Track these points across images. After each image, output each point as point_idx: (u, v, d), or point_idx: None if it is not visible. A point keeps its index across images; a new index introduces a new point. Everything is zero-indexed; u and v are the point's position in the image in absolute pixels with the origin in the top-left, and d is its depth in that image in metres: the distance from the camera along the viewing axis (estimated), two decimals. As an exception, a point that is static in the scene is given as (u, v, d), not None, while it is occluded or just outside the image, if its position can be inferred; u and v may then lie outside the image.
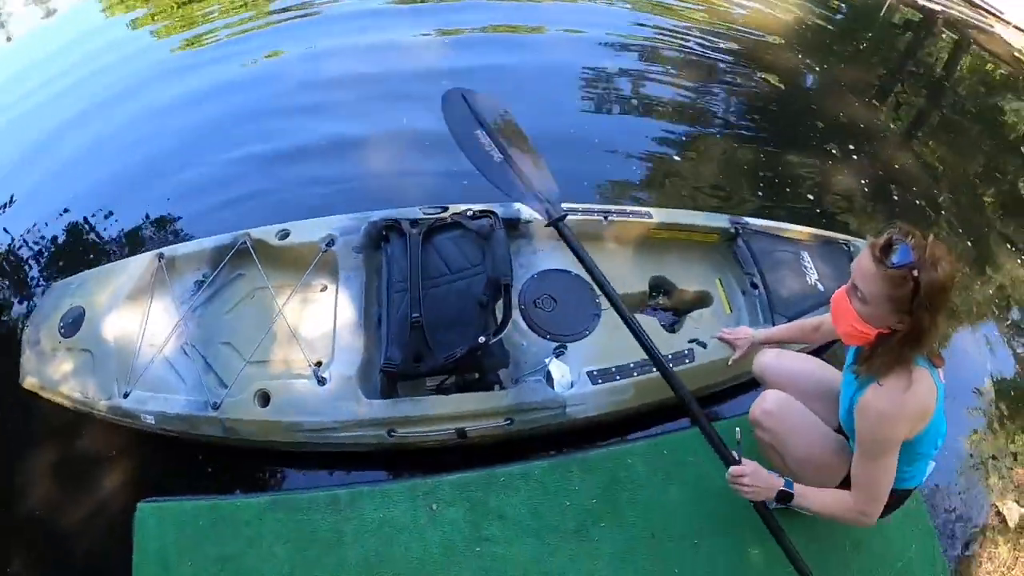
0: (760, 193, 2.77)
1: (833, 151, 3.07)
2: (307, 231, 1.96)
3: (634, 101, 3.28)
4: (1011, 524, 1.99)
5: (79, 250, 2.53)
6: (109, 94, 3.31)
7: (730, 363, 1.76)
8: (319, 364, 1.74)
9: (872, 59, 4.12)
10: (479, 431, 1.69)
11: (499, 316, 1.67)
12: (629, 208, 2.10)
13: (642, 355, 1.75)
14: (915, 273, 1.09)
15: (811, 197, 2.79)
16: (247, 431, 1.68)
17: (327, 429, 1.66)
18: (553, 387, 1.71)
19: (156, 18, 4.12)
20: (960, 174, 3.25)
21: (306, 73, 3.36)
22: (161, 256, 1.93)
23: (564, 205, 2.05)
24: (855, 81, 3.66)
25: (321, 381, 1.68)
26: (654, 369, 1.72)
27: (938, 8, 4.71)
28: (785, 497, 1.33)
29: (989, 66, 4.35)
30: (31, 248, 2.57)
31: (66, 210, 2.66)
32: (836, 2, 4.70)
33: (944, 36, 4.52)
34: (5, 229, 2.65)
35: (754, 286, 1.97)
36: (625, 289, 2.02)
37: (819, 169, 2.96)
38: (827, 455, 1.44)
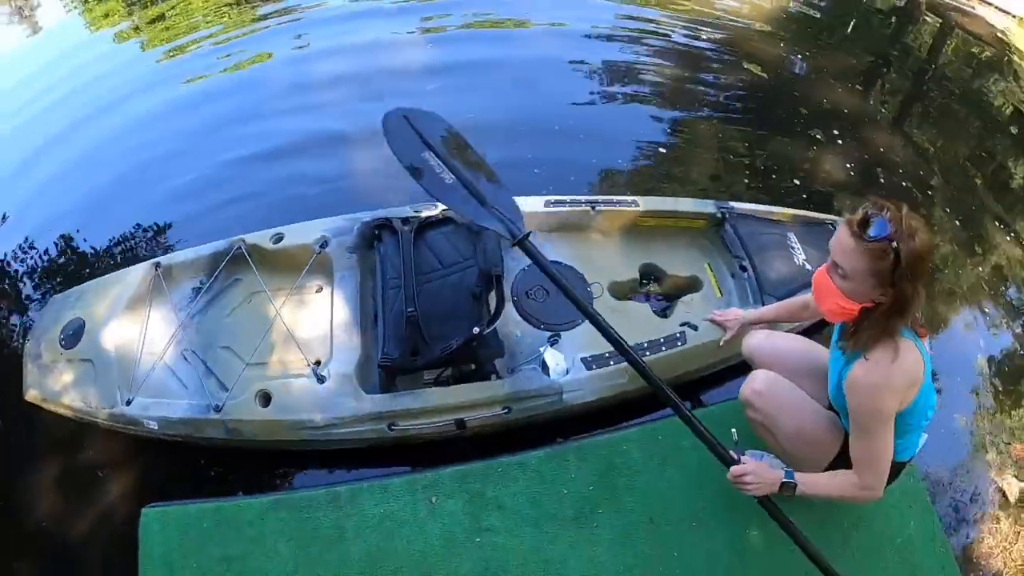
0: (746, 180, 2.85)
1: (818, 136, 3.15)
2: (301, 234, 2.03)
3: (619, 92, 3.36)
4: (1011, 499, 2.03)
5: (75, 263, 2.60)
6: (95, 107, 3.39)
7: (721, 344, 1.84)
8: (318, 363, 1.80)
9: (856, 46, 4.21)
10: (478, 421, 1.75)
11: (492, 307, 1.74)
12: (616, 198, 2.17)
13: (634, 339, 1.83)
14: (894, 245, 1.13)
15: (797, 182, 2.86)
16: (250, 431, 1.74)
17: (328, 426, 1.72)
18: (549, 375, 1.77)
19: (140, 30, 4.22)
20: (948, 155, 3.33)
21: (292, 76, 3.46)
22: (158, 265, 2.00)
23: (551, 197, 2.16)
24: (839, 68, 3.75)
25: (321, 379, 1.74)
26: (648, 353, 1.81)
27: (921, -8, 4.84)
28: (788, 488, 1.36)
29: (974, 48, 4.44)
30: (27, 263, 2.63)
31: (59, 224, 2.73)
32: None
33: (928, 20, 4.62)
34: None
35: (743, 269, 2.05)
36: (615, 277, 2.10)
37: (804, 155, 3.04)
38: (819, 431, 1.49)
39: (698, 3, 4.21)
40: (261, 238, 2.03)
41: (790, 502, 1.41)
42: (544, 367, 1.79)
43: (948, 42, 4.50)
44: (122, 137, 3.15)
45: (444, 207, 2.02)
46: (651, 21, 4.00)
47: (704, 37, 3.89)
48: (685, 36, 3.88)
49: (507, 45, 3.76)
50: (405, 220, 1.97)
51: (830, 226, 2.17)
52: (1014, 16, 4.63)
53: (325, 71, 3.42)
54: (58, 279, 2.54)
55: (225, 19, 4.15)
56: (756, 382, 1.55)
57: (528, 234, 1.37)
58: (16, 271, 2.61)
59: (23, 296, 2.54)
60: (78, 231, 2.69)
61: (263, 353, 1.88)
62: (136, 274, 2.00)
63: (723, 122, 3.23)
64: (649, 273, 2.17)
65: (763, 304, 1.93)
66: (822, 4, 4.59)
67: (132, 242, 2.63)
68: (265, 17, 4.07)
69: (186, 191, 2.79)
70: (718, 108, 3.33)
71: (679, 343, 1.83)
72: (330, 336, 1.85)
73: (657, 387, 1.40)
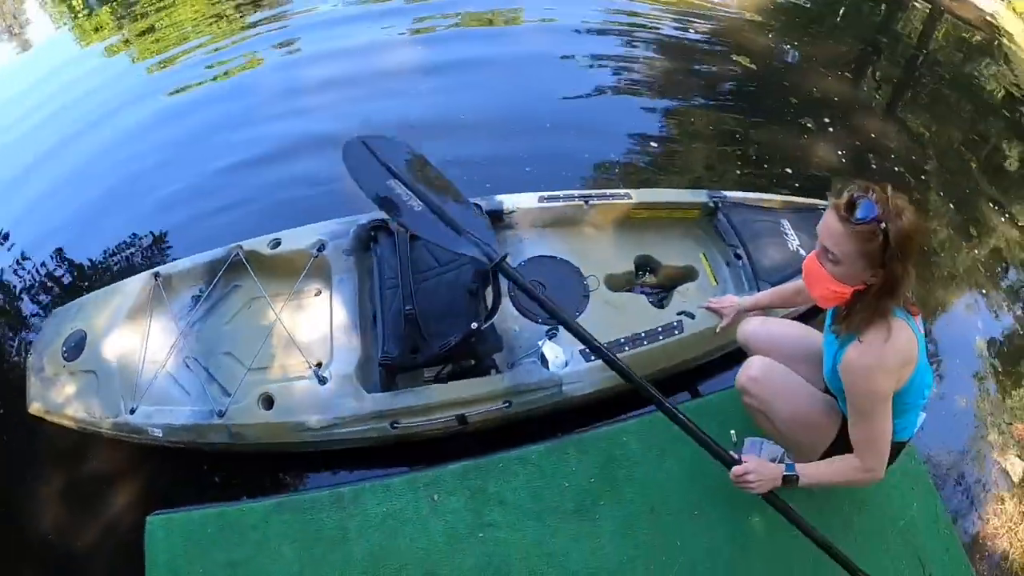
0: (738, 171, 2.90)
1: (809, 125, 3.21)
2: (298, 239, 2.07)
3: (610, 86, 3.41)
4: (1015, 479, 2.06)
5: (73, 277, 2.64)
6: (86, 122, 3.43)
7: (717, 331, 1.88)
8: (319, 365, 1.84)
9: (846, 33, 4.27)
10: (479, 416, 1.79)
11: (489, 302, 1.78)
12: (609, 191, 2.22)
13: (632, 330, 1.89)
14: (882, 225, 1.14)
15: (789, 171, 2.92)
16: (253, 435, 1.78)
17: (331, 426, 1.76)
18: (548, 368, 1.81)
19: (130, 43, 4.28)
20: (940, 140, 3.38)
21: (283, 81, 3.51)
22: (157, 275, 2.04)
23: (544, 193, 2.21)
24: (829, 56, 3.81)
25: (322, 381, 1.78)
26: (646, 342, 1.85)
27: (909, -22, 4.91)
28: (790, 481, 1.39)
29: (964, 33, 4.50)
30: (24, 279, 2.67)
31: (55, 239, 2.77)
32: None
33: (917, 6, 4.68)
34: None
35: (738, 257, 2.09)
36: (611, 270, 2.14)
37: (796, 143, 3.09)
38: (815, 415, 1.51)
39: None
40: (258, 244, 2.07)
41: (791, 491, 1.43)
42: (543, 360, 1.83)
43: (938, 27, 4.56)
44: (113, 150, 3.20)
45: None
46: (640, 14, 4.06)
47: (694, 29, 3.95)
48: (675, 28, 3.94)
49: (497, 43, 3.82)
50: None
51: (822, 211, 2.20)
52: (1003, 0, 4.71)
53: (316, 75, 3.47)
54: (56, 293, 2.58)
55: (215, 28, 4.20)
56: (752, 369, 1.57)
57: (504, 256, 1.36)
58: (14, 287, 2.65)
59: (21, 311, 2.58)
60: (73, 245, 2.73)
61: (264, 357, 1.92)
62: (136, 284, 2.04)
63: (714, 113, 3.29)
64: (644, 264, 2.21)
65: (758, 290, 1.97)
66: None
67: (128, 254, 2.67)
68: (255, 24, 4.13)
69: (179, 200, 2.83)
70: (709, 99, 3.39)
71: (676, 332, 1.88)
72: (330, 338, 1.89)
73: (651, 396, 1.39)
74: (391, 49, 3.67)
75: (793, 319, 1.96)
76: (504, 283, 2.02)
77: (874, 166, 3.03)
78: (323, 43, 3.78)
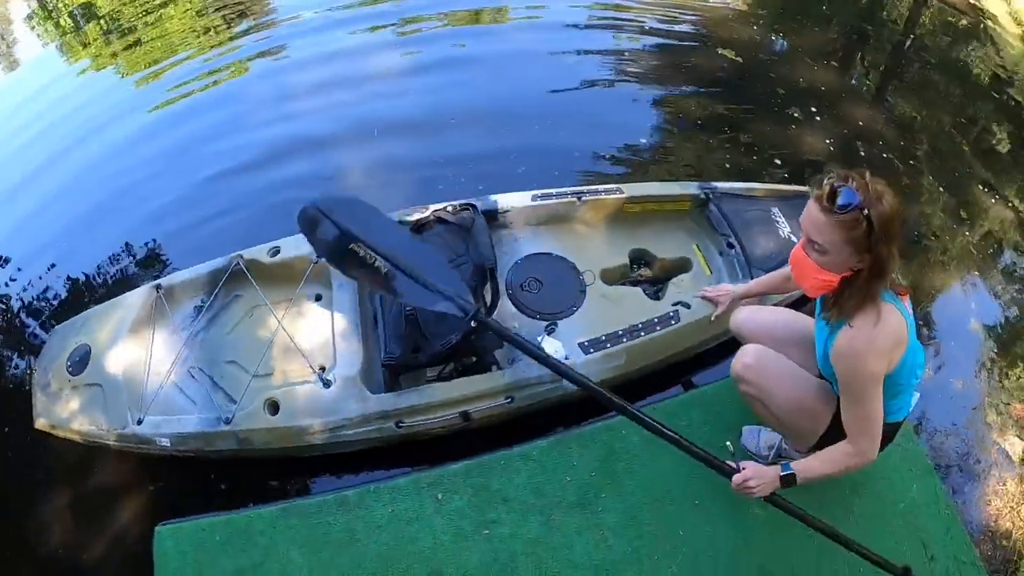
0: (728, 164, 2.97)
1: (796, 115, 3.28)
2: (297, 245, 2.12)
3: (598, 82, 3.48)
4: (1015, 459, 2.10)
5: (73, 292, 2.68)
6: (74, 137, 3.48)
7: (713, 319, 1.95)
8: (323, 369, 1.89)
9: (832, 22, 4.36)
10: (482, 412, 1.85)
11: (488, 299, 1.84)
12: (601, 187, 2.29)
13: (630, 321, 1.95)
14: (865, 211, 1.17)
15: (779, 162, 2.99)
16: (261, 440, 1.83)
17: (337, 428, 1.81)
18: (548, 362, 1.87)
19: (117, 56, 4.33)
20: (929, 124, 3.45)
21: (271, 89, 3.58)
22: (159, 287, 2.09)
23: (538, 191, 2.28)
24: (816, 45, 3.90)
25: (326, 384, 1.83)
26: (643, 333, 1.92)
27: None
28: (789, 480, 1.42)
29: (950, 17, 4.59)
30: (24, 295, 2.71)
31: (51, 254, 2.82)
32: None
33: (901, -6, 4.80)
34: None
35: (730, 246, 2.16)
36: (606, 264, 2.21)
37: (784, 134, 3.16)
38: (810, 399, 1.55)
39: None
40: (258, 252, 2.13)
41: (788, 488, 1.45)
42: (543, 355, 1.89)
43: (924, 13, 4.64)
44: (103, 164, 3.25)
45: (436, 207, 2.13)
46: (626, 8, 4.14)
47: (679, 22, 4.05)
48: (661, 21, 4.02)
49: (484, 41, 3.90)
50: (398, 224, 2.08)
51: (811, 197, 2.29)
52: (987, -17, 4.81)
53: (304, 81, 3.55)
54: (55, 308, 2.62)
55: (202, 39, 4.28)
56: (746, 356, 1.61)
57: (479, 308, 1.34)
58: (12, 304, 2.69)
59: (21, 328, 2.62)
60: (69, 261, 2.78)
61: (268, 364, 1.98)
62: (138, 297, 2.09)
63: (702, 106, 3.35)
64: (639, 258, 2.28)
65: (752, 278, 2.03)
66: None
67: (126, 267, 2.72)
68: (242, 35, 4.20)
69: (171, 211, 2.89)
70: (696, 93, 3.46)
71: (673, 322, 1.94)
72: (332, 341, 1.95)
73: (642, 420, 1.39)
74: (378, 52, 3.74)
75: (787, 306, 2.02)
76: (502, 282, 2.09)
77: (863, 153, 3.10)
78: (310, 49, 3.85)
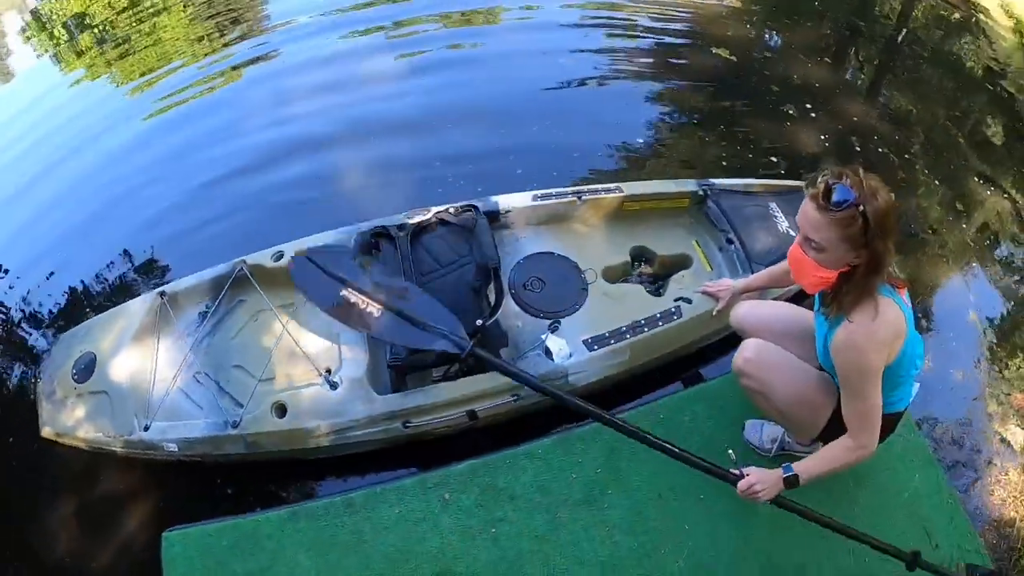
0: (724, 162, 3.01)
1: (791, 112, 3.33)
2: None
3: (594, 82, 3.53)
4: (1017, 448, 2.13)
5: (76, 300, 2.71)
6: (69, 148, 3.52)
7: (714, 313, 1.99)
8: (329, 371, 1.92)
9: (824, 19, 4.41)
10: (489, 410, 1.88)
11: (492, 299, 1.88)
12: (600, 186, 2.33)
13: (632, 318, 1.99)
14: (860, 208, 1.20)
15: (775, 159, 3.04)
16: (269, 443, 1.86)
17: (345, 429, 1.84)
18: (553, 359, 1.91)
19: (112, 65, 4.37)
20: (924, 118, 3.50)
21: (266, 93, 3.62)
22: (163, 294, 2.12)
23: (538, 192, 2.32)
24: (809, 42, 3.96)
25: (333, 386, 1.86)
26: (647, 329, 1.96)
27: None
28: (792, 482, 1.45)
29: (942, 11, 4.66)
30: (27, 305, 2.73)
31: (53, 262, 2.85)
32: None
33: (894, -11, 4.86)
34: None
35: (730, 242, 2.21)
36: (608, 262, 2.25)
37: (780, 131, 3.21)
38: (811, 391, 1.58)
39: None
40: (262, 257, 2.16)
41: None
42: (547, 353, 1.92)
43: (916, 7, 4.70)
44: (99, 173, 3.29)
45: (438, 209, 2.17)
46: (619, 7, 4.20)
47: (673, 20, 4.10)
48: (655, 21, 4.08)
49: (479, 42, 3.94)
50: (400, 227, 2.11)
51: (808, 192, 2.34)
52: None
53: (299, 84, 3.60)
54: (58, 317, 2.64)
55: (196, 47, 4.32)
56: (747, 351, 1.64)
57: (473, 344, 1.37)
58: (13, 314, 2.72)
59: (23, 337, 2.65)
60: (70, 270, 2.81)
61: (274, 368, 2.01)
62: (142, 304, 2.12)
63: (697, 105, 3.41)
64: (639, 255, 2.32)
65: (752, 272, 2.06)
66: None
67: (126, 274, 2.75)
68: (235, 41, 4.25)
69: (170, 217, 2.92)
70: (691, 91, 3.51)
71: (676, 317, 1.98)
72: (338, 344, 1.98)
73: (643, 438, 1.42)
74: (373, 55, 3.79)
75: (787, 300, 2.05)
76: (505, 282, 2.13)
77: (858, 148, 3.15)
78: (304, 53, 3.89)
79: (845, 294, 1.32)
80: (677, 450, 1.40)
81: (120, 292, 2.66)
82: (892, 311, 1.32)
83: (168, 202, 3.00)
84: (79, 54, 4.66)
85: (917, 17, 4.64)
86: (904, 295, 1.38)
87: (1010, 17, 4.51)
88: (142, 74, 4.11)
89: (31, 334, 2.64)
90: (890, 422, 1.53)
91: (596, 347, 1.93)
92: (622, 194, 2.30)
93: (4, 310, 2.73)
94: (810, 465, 1.46)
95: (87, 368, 2.01)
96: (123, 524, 2.00)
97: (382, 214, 2.24)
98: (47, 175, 3.35)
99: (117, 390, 1.96)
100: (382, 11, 4.26)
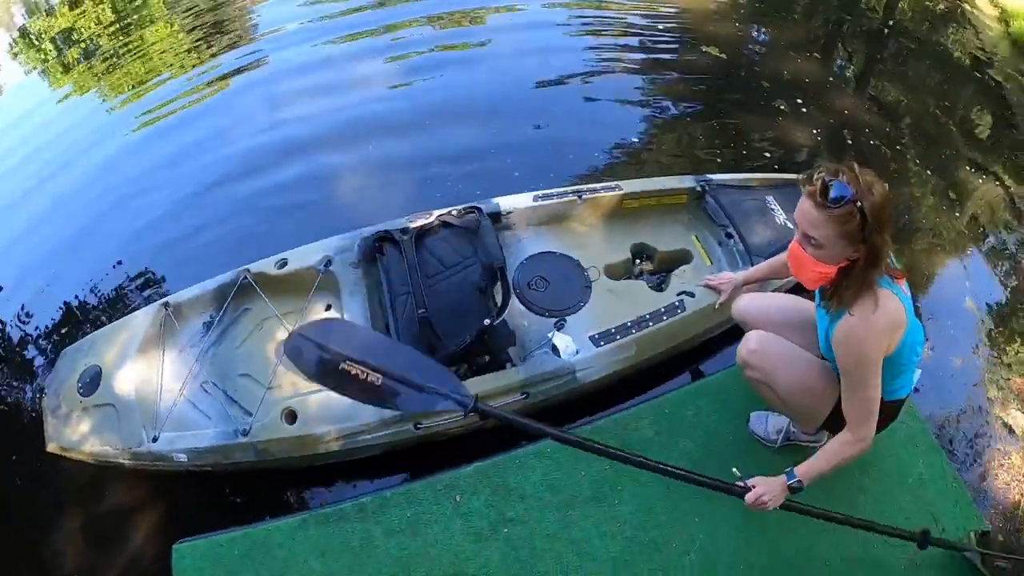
0: (719, 160, 3.07)
1: (783, 107, 3.41)
2: (304, 257, 2.19)
3: (583, 82, 3.59)
4: (1019, 432, 2.18)
5: (75, 314, 2.71)
6: (58, 163, 3.53)
7: (717, 306, 2.04)
8: (336, 376, 1.96)
9: (811, 14, 4.53)
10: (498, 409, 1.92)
11: (499, 299, 1.92)
12: (599, 185, 2.39)
13: (636, 313, 2.03)
14: (858, 204, 1.22)
15: (768, 154, 3.10)
16: (280, 450, 1.88)
17: (356, 433, 1.87)
18: (560, 356, 1.95)
19: (100, 79, 4.39)
20: (914, 109, 3.59)
21: (258, 100, 3.65)
22: (167, 305, 2.14)
23: (539, 192, 2.37)
24: (797, 38, 4.05)
25: (342, 391, 1.90)
26: (651, 323, 2.00)
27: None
28: (796, 487, 1.48)
29: (928, 3, 4.77)
30: (25, 320, 2.74)
31: (48, 275, 2.86)
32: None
33: (880, -18, 4.96)
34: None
35: (729, 236, 2.26)
36: (609, 260, 2.30)
37: (772, 127, 3.28)
38: (814, 380, 1.61)
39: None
40: (265, 265, 2.19)
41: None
42: (555, 350, 1.97)
43: (901, 1, 4.81)
44: (90, 187, 3.30)
45: (440, 212, 2.20)
46: (608, 9, 4.28)
47: (662, 19, 4.18)
48: (645, 20, 4.16)
49: (472, 44, 4.00)
50: (403, 230, 2.15)
51: (806, 185, 2.41)
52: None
53: (289, 91, 3.64)
54: (64, 332, 2.64)
55: (184, 58, 4.35)
56: (750, 342, 1.67)
57: (476, 397, 1.40)
58: (13, 330, 2.72)
59: (25, 353, 2.65)
60: (69, 284, 2.80)
61: (282, 375, 2.03)
62: (145, 315, 2.13)
63: (690, 102, 3.48)
64: (640, 252, 2.37)
65: (752, 265, 2.11)
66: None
67: (123, 285, 2.76)
68: (224, 50, 4.28)
69: (165, 227, 2.94)
70: (684, 89, 3.58)
71: (679, 311, 2.03)
72: (344, 349, 2.01)
73: (654, 467, 1.45)
74: (364, 59, 3.85)
75: (787, 291, 2.11)
76: (511, 281, 2.17)
77: (850, 141, 3.23)
78: (294, 60, 3.95)
79: (845, 288, 1.35)
80: (684, 472, 1.44)
81: (117, 303, 2.67)
82: (892, 302, 1.35)
83: (161, 211, 3.03)
84: (67, 69, 4.68)
85: (903, 9, 4.74)
86: (903, 285, 1.42)
87: (995, 6, 4.62)
88: (131, 87, 4.14)
89: (30, 348, 2.64)
90: (893, 409, 1.58)
91: (602, 343, 1.97)
92: (621, 192, 2.36)
93: (12, 330, 2.74)
94: (811, 467, 1.49)
95: (92, 381, 2.02)
96: (131, 537, 2.01)
97: (378, 217, 2.28)
98: (38, 190, 3.35)
99: (123, 402, 1.97)
100: (371, 16, 4.31)
